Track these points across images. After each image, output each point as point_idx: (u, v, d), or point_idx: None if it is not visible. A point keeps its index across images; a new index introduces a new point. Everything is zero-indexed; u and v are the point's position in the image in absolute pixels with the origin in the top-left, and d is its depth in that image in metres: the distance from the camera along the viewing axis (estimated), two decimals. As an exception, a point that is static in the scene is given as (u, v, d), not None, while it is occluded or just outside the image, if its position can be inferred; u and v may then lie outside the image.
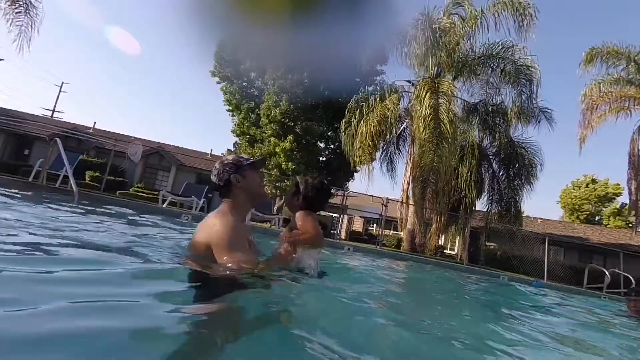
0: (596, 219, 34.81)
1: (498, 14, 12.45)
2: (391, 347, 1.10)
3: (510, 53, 13.09)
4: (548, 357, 1.30)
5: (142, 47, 77.77)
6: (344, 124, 13.67)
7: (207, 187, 10.42)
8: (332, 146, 16.98)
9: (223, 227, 1.57)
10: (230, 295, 1.34)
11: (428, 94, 11.65)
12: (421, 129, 11.56)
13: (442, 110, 11.43)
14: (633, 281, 9.04)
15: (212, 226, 1.60)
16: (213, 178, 1.77)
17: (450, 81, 12.56)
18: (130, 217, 4.70)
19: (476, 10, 12.76)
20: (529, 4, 12.17)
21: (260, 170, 1.90)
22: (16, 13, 9.58)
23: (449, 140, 11.52)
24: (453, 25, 12.66)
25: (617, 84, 14.09)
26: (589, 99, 14.25)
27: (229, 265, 1.49)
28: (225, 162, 1.78)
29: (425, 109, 11.47)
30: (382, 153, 15.42)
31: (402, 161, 15.46)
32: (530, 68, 12.87)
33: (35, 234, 1.92)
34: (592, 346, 1.59)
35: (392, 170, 15.56)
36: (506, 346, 1.32)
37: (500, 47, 13.16)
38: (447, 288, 4.43)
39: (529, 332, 1.45)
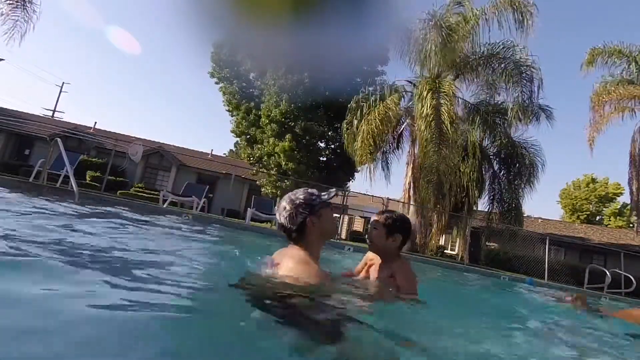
0: (597, 219, 34.71)
1: (499, 13, 12.43)
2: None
3: (511, 53, 13.05)
4: (511, 349, 1.34)
5: (142, 48, 77.74)
6: (345, 124, 13.63)
7: (207, 187, 10.46)
8: (333, 146, 16.96)
9: (309, 278, 1.39)
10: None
11: (429, 94, 11.63)
12: (422, 129, 11.55)
13: (444, 110, 11.40)
14: (634, 281, 9.04)
15: (297, 277, 1.40)
16: (283, 221, 1.52)
17: (451, 81, 12.52)
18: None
19: (477, 10, 12.73)
20: (529, 3, 12.15)
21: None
22: (12, 8, 9.32)
23: (450, 140, 11.50)
24: (460, 25, 12.62)
25: (620, 84, 14.03)
26: (596, 99, 14.18)
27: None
28: (297, 202, 1.52)
29: (427, 109, 11.46)
30: (382, 153, 15.39)
31: (402, 161, 15.45)
32: (531, 68, 12.84)
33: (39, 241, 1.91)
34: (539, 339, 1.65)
35: (387, 170, 15.53)
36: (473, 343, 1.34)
37: (501, 46, 13.11)
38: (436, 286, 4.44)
39: (494, 327, 1.50)
